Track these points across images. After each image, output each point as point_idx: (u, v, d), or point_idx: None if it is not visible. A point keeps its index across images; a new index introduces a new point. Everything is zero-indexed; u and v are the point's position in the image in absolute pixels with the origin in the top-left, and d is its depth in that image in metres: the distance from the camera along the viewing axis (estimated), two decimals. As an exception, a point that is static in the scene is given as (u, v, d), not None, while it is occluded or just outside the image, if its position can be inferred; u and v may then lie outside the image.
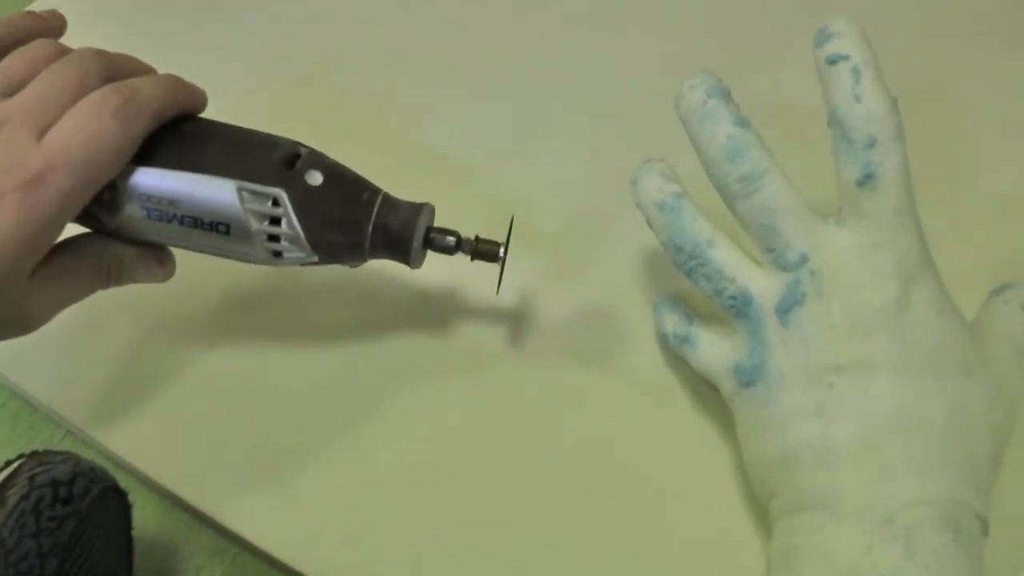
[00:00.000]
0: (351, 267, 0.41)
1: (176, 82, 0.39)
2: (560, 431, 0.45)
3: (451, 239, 0.41)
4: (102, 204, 0.38)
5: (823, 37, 0.36)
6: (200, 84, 0.41)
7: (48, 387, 0.50)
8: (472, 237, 0.41)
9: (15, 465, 0.42)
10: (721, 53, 0.58)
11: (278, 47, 0.64)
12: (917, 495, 0.34)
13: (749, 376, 0.38)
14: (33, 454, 0.42)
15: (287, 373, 0.48)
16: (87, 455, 0.46)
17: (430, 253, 0.41)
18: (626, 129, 0.56)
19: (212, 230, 0.38)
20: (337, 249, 0.39)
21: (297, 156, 0.39)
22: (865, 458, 0.35)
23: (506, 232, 0.41)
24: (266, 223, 0.38)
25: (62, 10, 0.41)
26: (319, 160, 0.39)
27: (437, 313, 0.50)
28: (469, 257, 0.41)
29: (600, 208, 0.52)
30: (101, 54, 0.38)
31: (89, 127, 0.35)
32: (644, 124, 0.53)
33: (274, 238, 0.38)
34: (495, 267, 0.42)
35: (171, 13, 0.69)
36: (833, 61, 0.35)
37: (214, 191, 0.38)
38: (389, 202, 0.40)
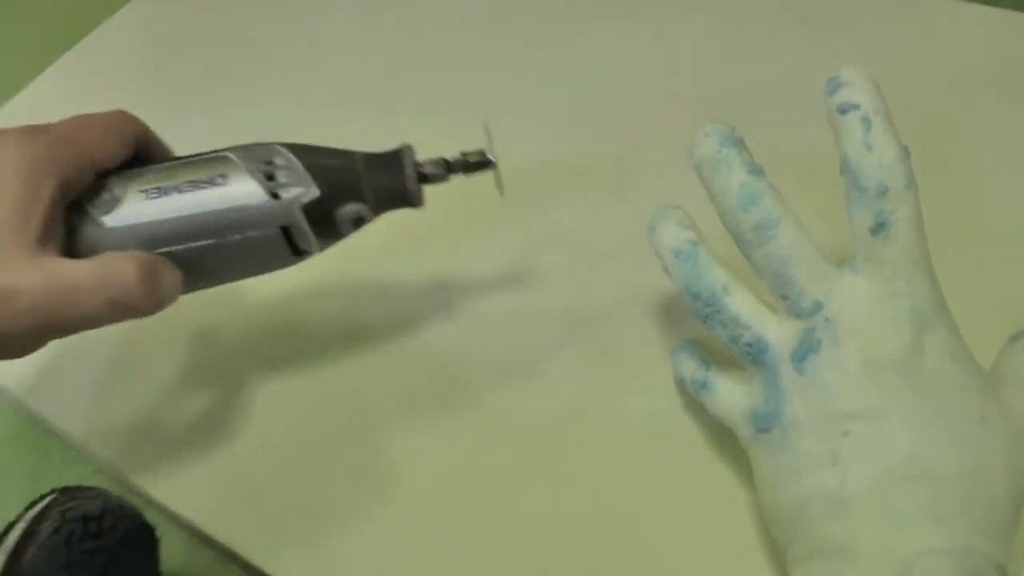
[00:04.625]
0: (354, 226, 0.41)
1: None
2: (579, 477, 0.45)
3: (439, 162, 0.41)
4: (99, 204, 0.39)
5: (834, 86, 0.37)
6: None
7: (81, 424, 0.51)
8: (458, 154, 0.42)
9: (47, 500, 0.43)
10: (735, 101, 0.59)
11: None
12: (932, 543, 0.34)
13: (765, 422, 0.38)
14: (65, 490, 0.44)
15: (313, 414, 0.49)
16: (117, 491, 0.47)
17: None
18: (642, 179, 0.57)
19: (211, 184, 0.39)
20: (333, 173, 0.40)
21: None
22: (879, 506, 0.35)
23: (486, 140, 0.42)
24: (262, 163, 0.39)
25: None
26: None
27: (450, 365, 0.51)
28: (463, 174, 0.42)
29: (619, 254, 0.53)
30: None
31: (89, 114, 0.40)
32: (659, 174, 0.54)
33: (271, 177, 0.39)
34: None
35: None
36: (844, 110, 0.36)
37: (209, 157, 0.40)
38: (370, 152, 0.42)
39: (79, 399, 0.52)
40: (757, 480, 0.40)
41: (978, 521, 0.35)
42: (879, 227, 0.35)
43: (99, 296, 0.36)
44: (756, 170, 0.38)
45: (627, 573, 0.42)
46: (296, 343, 0.53)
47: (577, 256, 0.54)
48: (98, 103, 0.42)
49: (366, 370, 0.51)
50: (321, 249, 0.41)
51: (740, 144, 0.38)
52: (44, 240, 0.36)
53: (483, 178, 0.42)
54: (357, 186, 0.40)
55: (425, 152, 0.42)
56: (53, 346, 0.38)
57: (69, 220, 0.38)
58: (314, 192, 0.39)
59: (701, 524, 0.43)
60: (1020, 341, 0.42)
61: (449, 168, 0.42)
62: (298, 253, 0.41)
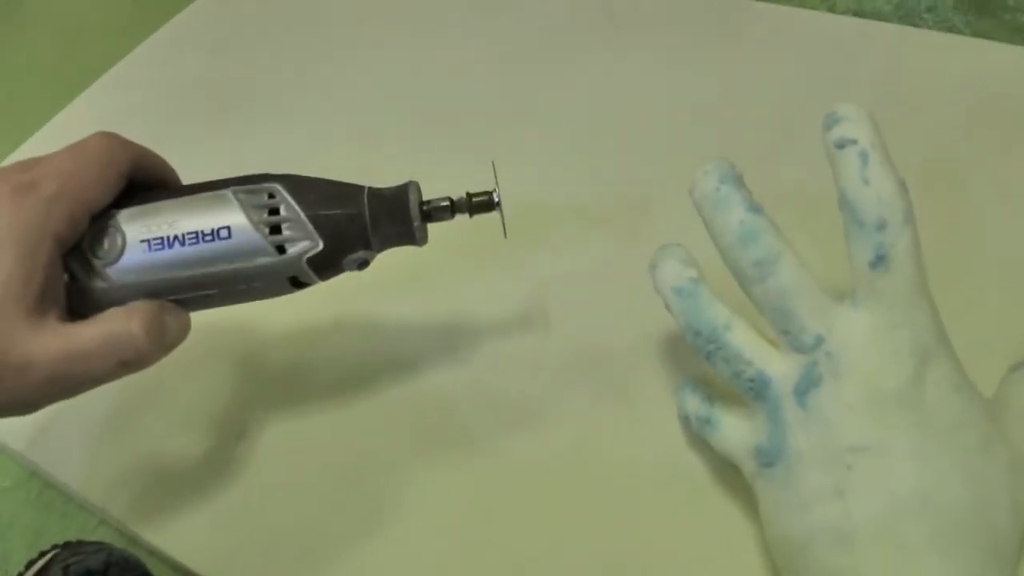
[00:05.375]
0: (358, 267, 0.41)
1: None
2: (582, 513, 0.45)
3: (445, 202, 0.41)
4: (102, 254, 0.38)
5: (831, 121, 0.37)
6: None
7: (82, 476, 0.51)
8: (463, 195, 0.42)
9: (49, 556, 0.43)
10: (733, 139, 0.60)
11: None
12: (939, 575, 0.34)
13: (769, 457, 0.38)
14: (67, 545, 0.43)
15: (316, 459, 0.49)
16: (120, 543, 0.47)
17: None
18: (643, 217, 0.57)
19: (214, 238, 0.38)
20: (339, 226, 0.39)
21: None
22: (886, 539, 0.34)
23: (493, 180, 0.42)
24: (265, 213, 0.39)
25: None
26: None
27: (455, 408, 0.50)
28: (468, 215, 0.42)
29: (622, 294, 0.52)
30: None
31: (78, 147, 0.39)
32: (661, 211, 0.54)
33: (275, 230, 0.39)
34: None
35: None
36: (841, 145, 0.36)
37: (210, 200, 0.39)
38: (375, 188, 0.41)
39: (79, 450, 0.52)
40: (762, 515, 0.39)
41: (983, 551, 0.35)
42: (878, 260, 0.35)
43: (109, 360, 0.37)
44: (755, 207, 0.38)
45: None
46: (299, 387, 0.52)
47: (581, 297, 0.54)
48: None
49: (371, 413, 0.50)
50: (323, 280, 0.41)
51: (739, 181, 0.39)
52: (44, 301, 0.36)
53: (490, 219, 0.42)
54: (363, 235, 0.40)
55: (431, 187, 0.42)
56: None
57: (69, 267, 0.38)
58: (319, 246, 0.39)
59: (707, 560, 0.42)
60: (1021, 370, 0.42)
61: (454, 208, 0.41)
62: (300, 287, 0.41)
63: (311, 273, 0.40)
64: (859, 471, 0.35)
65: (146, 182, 0.41)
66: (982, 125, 0.58)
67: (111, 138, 0.40)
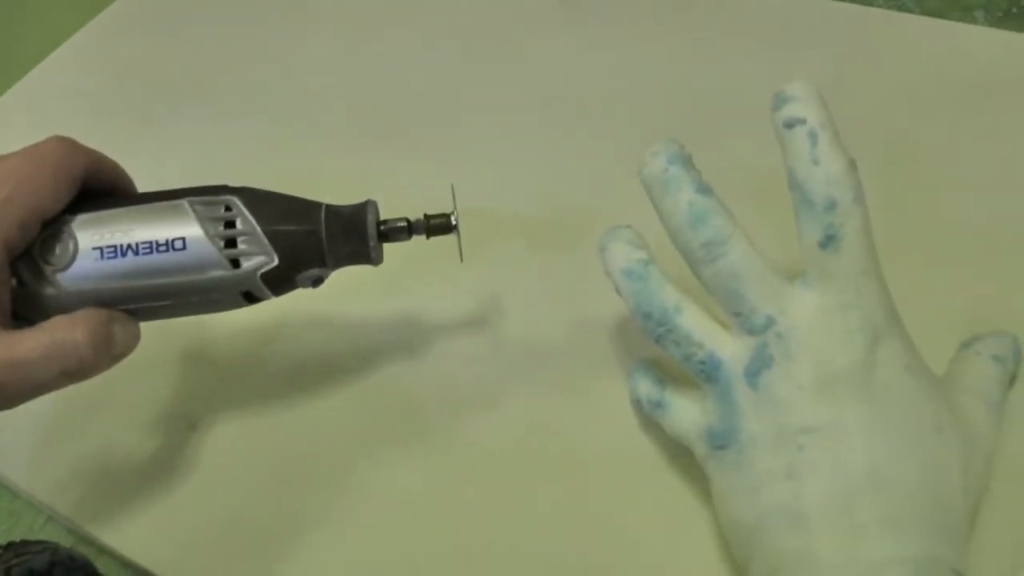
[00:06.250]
0: (312, 284, 0.41)
1: None
2: (537, 499, 0.45)
3: (402, 223, 0.41)
4: (53, 260, 0.38)
5: (780, 101, 0.36)
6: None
7: (29, 474, 0.50)
8: (421, 216, 0.42)
9: (-9, 557, 0.42)
10: (685, 119, 0.59)
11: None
12: (893, 553, 0.34)
13: (721, 440, 0.38)
14: (10, 545, 0.42)
15: (269, 454, 0.48)
16: (68, 541, 0.46)
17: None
18: (593, 195, 0.57)
19: (168, 249, 0.38)
20: (295, 243, 0.39)
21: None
22: (838, 519, 0.34)
23: (452, 203, 0.42)
24: (221, 226, 0.38)
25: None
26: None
27: (408, 392, 0.50)
28: (425, 236, 0.42)
29: (573, 276, 0.52)
30: None
31: (32, 151, 0.38)
32: (613, 200, 0.54)
33: (230, 243, 0.38)
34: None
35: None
36: (790, 125, 0.36)
37: (165, 210, 0.39)
38: (333, 205, 0.41)
39: (24, 446, 0.51)
40: (715, 498, 0.39)
41: (937, 529, 0.35)
42: (828, 240, 0.35)
43: (53, 368, 0.36)
44: (704, 188, 0.37)
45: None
46: (253, 381, 0.52)
47: (535, 293, 0.53)
48: (61, 124, 0.40)
49: (323, 407, 0.50)
50: (276, 296, 0.41)
51: (688, 162, 0.38)
52: None
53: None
54: (319, 252, 0.40)
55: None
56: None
57: (18, 272, 0.37)
58: (275, 261, 0.39)
59: (661, 543, 0.42)
60: (972, 347, 0.43)
61: (411, 229, 0.41)
62: (253, 301, 0.41)
63: (264, 288, 0.40)
64: (810, 452, 0.35)
65: (100, 188, 0.40)
66: (933, 103, 0.58)
67: (66, 143, 0.39)
